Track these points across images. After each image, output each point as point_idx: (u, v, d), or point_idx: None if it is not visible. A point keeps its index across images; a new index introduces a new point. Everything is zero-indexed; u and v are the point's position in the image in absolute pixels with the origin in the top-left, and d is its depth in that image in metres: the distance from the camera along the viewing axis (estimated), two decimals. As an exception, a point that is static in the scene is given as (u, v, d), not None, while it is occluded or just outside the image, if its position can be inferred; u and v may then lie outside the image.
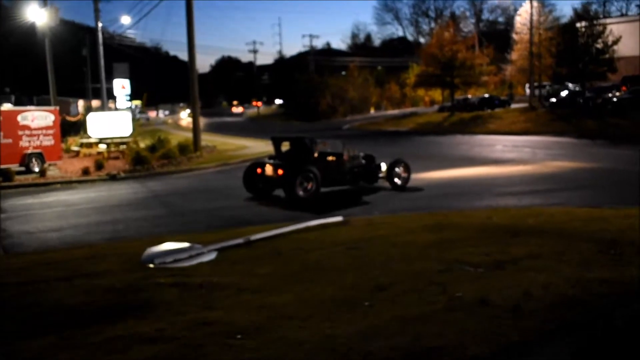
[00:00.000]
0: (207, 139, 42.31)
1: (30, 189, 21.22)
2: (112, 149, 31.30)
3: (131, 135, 34.03)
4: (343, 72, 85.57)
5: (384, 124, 57.13)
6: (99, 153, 30.88)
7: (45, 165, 25.55)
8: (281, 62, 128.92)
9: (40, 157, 25.42)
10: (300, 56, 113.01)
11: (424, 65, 57.62)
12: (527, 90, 54.77)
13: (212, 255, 8.78)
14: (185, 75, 33.04)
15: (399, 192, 16.56)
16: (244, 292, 6.56)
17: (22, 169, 24.66)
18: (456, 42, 53.93)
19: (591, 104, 40.94)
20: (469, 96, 60.48)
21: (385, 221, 10.89)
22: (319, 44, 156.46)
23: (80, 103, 78.15)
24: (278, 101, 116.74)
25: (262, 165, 16.52)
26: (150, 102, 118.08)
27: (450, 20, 63.17)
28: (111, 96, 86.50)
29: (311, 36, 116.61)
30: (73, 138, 40.44)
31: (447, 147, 31.33)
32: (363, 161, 17.26)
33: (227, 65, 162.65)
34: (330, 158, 16.58)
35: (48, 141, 25.90)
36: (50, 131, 26.03)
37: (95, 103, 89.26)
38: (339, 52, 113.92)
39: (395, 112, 75.46)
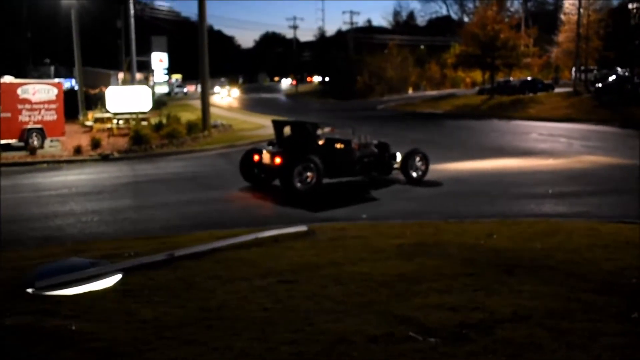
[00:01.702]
0: (227, 116, 40.67)
1: (13, 168, 19.63)
2: (122, 125, 29.66)
3: (152, 110, 32.44)
4: (385, 51, 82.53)
5: (420, 106, 54.58)
6: (109, 129, 29.29)
7: (47, 141, 24.11)
8: (322, 38, 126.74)
9: (40, 132, 23.90)
10: (341, 33, 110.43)
11: (464, 45, 54.69)
12: (574, 74, 51.47)
13: (113, 279, 6.81)
14: (229, 49, 31.21)
15: (413, 186, 14.48)
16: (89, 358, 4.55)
17: (22, 144, 23.20)
18: (499, 21, 50.76)
19: (640, 90, 37.69)
20: (511, 78, 57.35)
21: (359, 234, 8.73)
22: (360, 20, 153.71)
23: (120, 76, 77.23)
24: (317, 78, 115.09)
25: (260, 152, 14.56)
26: (192, 76, 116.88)
27: (495, -1, 59.63)
28: (150, 69, 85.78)
29: (352, 12, 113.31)
30: (93, 112, 38.99)
31: (478, 134, 28.83)
32: (375, 150, 15.10)
33: (270, 41, 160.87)
34: (337, 146, 14.53)
35: (50, 116, 24.35)
36: (53, 105, 24.48)
37: (136, 76, 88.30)
38: (380, 30, 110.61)
39: (434, 93, 72.57)
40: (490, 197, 12.90)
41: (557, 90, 50.61)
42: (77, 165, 20.10)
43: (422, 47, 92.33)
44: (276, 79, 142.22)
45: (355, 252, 7.48)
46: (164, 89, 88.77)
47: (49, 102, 24.32)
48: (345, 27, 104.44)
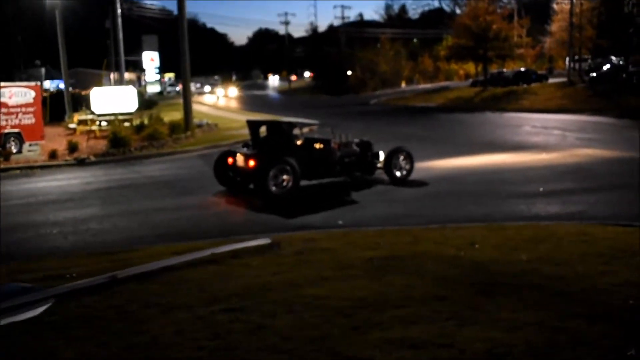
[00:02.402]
0: (214, 115, 39.94)
1: (-18, 175, 18.74)
2: (105, 127, 28.80)
3: (141, 110, 31.75)
4: (378, 45, 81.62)
5: (413, 99, 53.81)
6: (90, 131, 28.48)
7: (25, 145, 23.33)
8: (314, 34, 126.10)
9: (18, 137, 23.16)
10: (332, 28, 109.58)
11: (456, 37, 53.84)
12: (568, 64, 50.66)
13: (41, 308, 6.00)
14: (222, 47, 30.40)
15: (396, 186, 13.64)
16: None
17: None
18: (491, 12, 49.84)
19: (635, 79, 36.74)
20: (504, 70, 56.51)
21: (328, 246, 7.91)
22: (351, 14, 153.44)
23: (113, 76, 76.32)
24: (307, 74, 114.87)
25: (234, 154, 13.76)
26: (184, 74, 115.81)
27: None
28: (142, 69, 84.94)
29: (343, 7, 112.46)
30: (79, 114, 38.15)
31: (470, 128, 28.05)
32: (357, 149, 14.27)
33: (264, 38, 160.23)
34: (316, 146, 13.68)
35: (28, 120, 23.63)
36: (31, 109, 23.77)
37: (128, 76, 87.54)
38: (372, 24, 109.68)
39: (428, 86, 71.83)
40: (477, 197, 12.10)
41: (552, 80, 49.81)
42: (50, 171, 19.27)
43: (414, 40, 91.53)
44: (269, 75, 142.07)
45: (318, 269, 6.66)
46: (156, 88, 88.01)
47: (27, 105, 23.62)
48: (337, 22, 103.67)
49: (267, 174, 12.39)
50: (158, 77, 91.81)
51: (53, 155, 21.11)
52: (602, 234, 8.02)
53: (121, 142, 22.32)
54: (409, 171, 14.34)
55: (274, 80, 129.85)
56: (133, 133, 25.22)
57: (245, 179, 13.58)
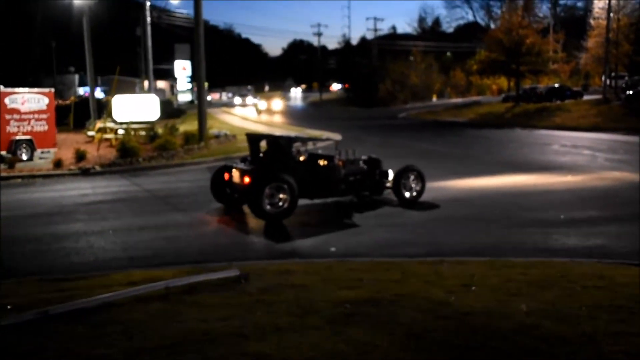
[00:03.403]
0: (236, 125, 39.22)
1: (-17, 183, 18.11)
2: (122, 136, 28.13)
3: (170, 119, 31.24)
4: (411, 58, 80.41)
5: (442, 114, 52.70)
6: (104, 140, 27.84)
7: (37, 152, 22.79)
8: (347, 46, 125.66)
9: (30, 143, 22.64)
10: (365, 40, 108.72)
11: (488, 51, 52.54)
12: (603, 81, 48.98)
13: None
14: (256, 57, 29.79)
15: (405, 208, 12.59)
16: None
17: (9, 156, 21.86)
18: (525, 26, 48.43)
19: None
20: (538, 85, 54.95)
21: (303, 281, 6.88)
22: (384, 26, 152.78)
23: (146, 84, 76.35)
24: (336, 86, 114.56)
25: (230, 170, 12.83)
26: (217, 84, 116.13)
27: (521, 4, 57.25)
28: (174, 77, 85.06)
29: (376, 19, 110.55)
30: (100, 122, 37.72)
31: (495, 145, 26.79)
32: (364, 167, 13.25)
33: (297, 49, 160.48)
34: (319, 162, 12.72)
35: (40, 126, 23.16)
36: (44, 115, 23.31)
37: (160, 84, 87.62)
38: (404, 36, 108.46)
39: (459, 100, 70.53)
40: (489, 223, 10.99)
41: (587, 97, 48.26)
42: (51, 181, 18.59)
43: (447, 53, 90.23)
44: (296, 87, 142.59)
45: (277, 314, 5.65)
46: (187, 97, 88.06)
47: (39, 112, 23.17)
48: (369, 35, 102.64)
49: (262, 192, 11.43)
50: (190, 85, 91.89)
51: (58, 164, 20.46)
52: (621, 278, 6.87)
53: (130, 152, 21.61)
54: (420, 192, 13.28)
55: (296, 91, 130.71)
56: (146, 143, 24.56)
57: (242, 196, 12.67)
